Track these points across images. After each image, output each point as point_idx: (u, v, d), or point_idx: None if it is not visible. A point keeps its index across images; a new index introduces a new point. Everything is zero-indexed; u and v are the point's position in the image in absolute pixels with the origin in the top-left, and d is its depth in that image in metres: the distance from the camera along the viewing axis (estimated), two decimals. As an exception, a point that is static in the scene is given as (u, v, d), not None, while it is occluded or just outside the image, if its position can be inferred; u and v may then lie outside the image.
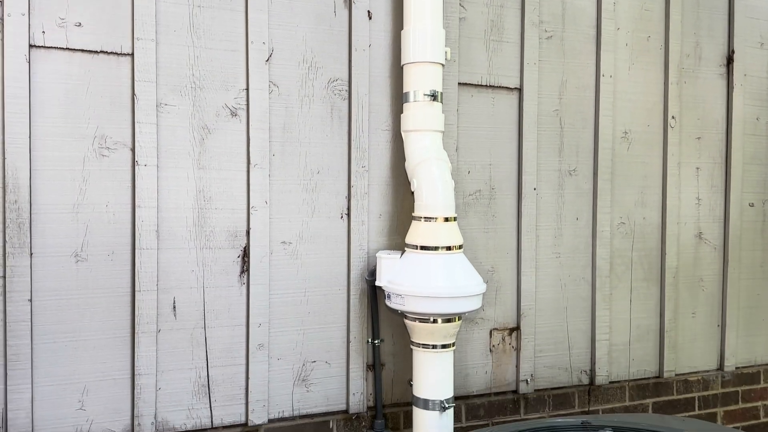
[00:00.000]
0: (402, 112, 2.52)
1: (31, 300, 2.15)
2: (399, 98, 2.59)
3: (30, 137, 2.14)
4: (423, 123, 2.46)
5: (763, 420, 3.33)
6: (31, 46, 2.13)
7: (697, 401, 3.18)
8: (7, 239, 2.11)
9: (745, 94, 3.22)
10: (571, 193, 2.91)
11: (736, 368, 3.24)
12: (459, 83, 2.70)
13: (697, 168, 3.14)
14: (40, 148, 2.16)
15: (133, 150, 2.26)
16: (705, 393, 3.19)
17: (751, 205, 3.25)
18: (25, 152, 2.12)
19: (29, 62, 2.13)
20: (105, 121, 2.23)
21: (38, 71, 2.15)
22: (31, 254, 2.15)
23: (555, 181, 2.88)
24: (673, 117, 3.07)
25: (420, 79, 2.45)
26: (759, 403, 3.32)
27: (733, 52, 3.19)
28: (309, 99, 2.49)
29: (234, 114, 2.38)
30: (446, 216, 2.41)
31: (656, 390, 3.09)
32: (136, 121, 2.25)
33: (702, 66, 3.15)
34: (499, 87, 2.78)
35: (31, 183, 2.14)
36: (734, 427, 3.04)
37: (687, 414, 3.13)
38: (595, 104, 2.94)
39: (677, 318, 3.10)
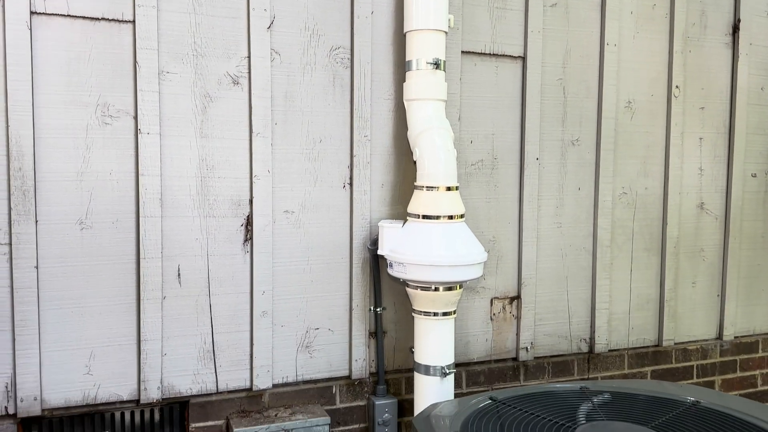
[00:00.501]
0: (404, 81, 2.52)
1: (37, 267, 2.18)
2: (402, 66, 2.58)
3: (33, 105, 2.14)
4: (425, 92, 2.45)
5: (760, 388, 3.37)
6: (32, 12, 2.13)
7: (695, 370, 3.22)
8: (12, 206, 2.13)
9: (750, 64, 3.19)
10: (573, 163, 2.91)
11: (735, 337, 3.28)
12: (462, 51, 2.68)
13: (701, 138, 3.14)
14: (43, 116, 2.16)
15: (135, 118, 2.26)
16: (703, 362, 3.23)
17: (754, 175, 3.25)
18: (28, 120, 2.13)
19: (30, 29, 2.12)
20: (107, 89, 2.23)
21: (39, 38, 2.15)
22: (36, 221, 2.17)
23: (557, 151, 2.88)
24: (677, 86, 3.05)
25: (423, 47, 2.44)
26: (756, 372, 3.36)
27: (739, 20, 3.16)
28: (311, 67, 2.48)
29: (236, 82, 2.38)
30: (448, 185, 2.42)
31: (655, 358, 3.13)
32: (138, 89, 2.25)
33: (707, 35, 3.13)
34: (503, 55, 2.77)
35: (34, 151, 2.15)
36: (731, 394, 3.08)
37: (685, 382, 3.17)
38: (599, 73, 2.92)
39: (677, 287, 3.13)
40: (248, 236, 2.44)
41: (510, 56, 2.78)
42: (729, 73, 3.18)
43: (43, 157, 2.17)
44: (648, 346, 3.11)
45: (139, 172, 2.26)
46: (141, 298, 2.29)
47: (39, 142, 2.16)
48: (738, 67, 3.16)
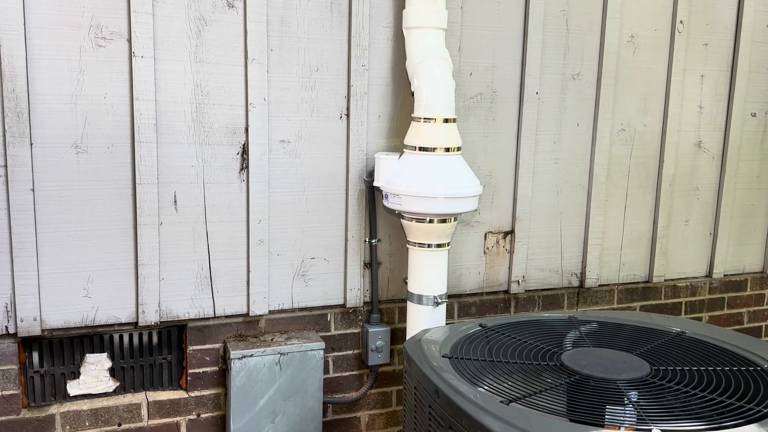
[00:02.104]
0: (404, 8, 2.46)
1: (33, 190, 2.18)
2: (401, -6, 2.52)
3: (25, 25, 2.10)
4: (425, 20, 2.40)
5: (746, 326, 3.45)
6: (20, -73, 2.06)
7: (683, 306, 3.28)
8: (6, 128, 2.12)
9: (757, 0, 3.12)
10: (573, 98, 2.88)
11: (725, 275, 3.33)
12: (463, -21, 2.62)
13: (702, 75, 3.10)
14: (36, 37, 2.13)
15: (129, 41, 2.22)
16: (692, 298, 3.29)
17: (753, 114, 3.23)
18: (20, 39, 2.09)
19: (19, -55, 2.06)
20: (100, 10, 2.18)
21: (29, -45, 2.09)
22: (31, 144, 2.16)
23: (558, 86, 2.85)
24: (681, 21, 2.99)
25: (423, -27, 2.37)
26: (744, 310, 3.43)
27: (749, -47, 3.07)
28: (308, -8, 2.42)
29: (231, 5, 2.33)
30: (446, 117, 2.41)
31: (644, 294, 3.18)
32: (131, 10, 2.20)
33: (716, -32, 3.05)
34: (505, -15, 2.70)
35: (27, 72, 2.12)
36: (717, 327, 3.15)
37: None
38: (603, 6, 2.86)
39: (670, 225, 3.15)
40: (244, 165, 2.44)
41: (513, -15, 2.71)
42: (735, 9, 3.11)
43: (37, 78, 2.14)
44: (638, 282, 3.16)
45: (134, 97, 2.24)
46: (138, 223, 2.31)
47: (32, 63, 2.13)
48: (744, 3, 3.09)
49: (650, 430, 1.46)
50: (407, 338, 2.51)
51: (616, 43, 2.90)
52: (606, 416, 1.58)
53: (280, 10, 2.39)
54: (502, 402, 1.57)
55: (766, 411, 1.54)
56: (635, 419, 1.56)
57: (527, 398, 1.61)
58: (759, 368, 1.79)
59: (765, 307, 3.48)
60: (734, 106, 3.16)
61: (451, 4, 2.57)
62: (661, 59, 3.01)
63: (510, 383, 1.71)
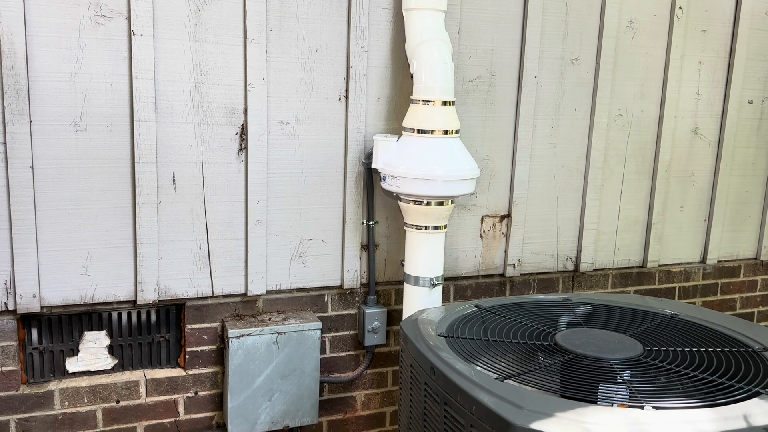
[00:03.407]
0: (404, -10, 2.46)
1: (32, 167, 2.19)
2: (401, -25, 2.52)
3: (24, 1, 2.09)
4: (425, 1, 2.40)
5: (739, 311, 3.49)
6: None
7: (677, 291, 3.31)
8: (6, 105, 2.12)
9: (757, -14, 3.13)
10: (571, 83, 2.89)
11: (718, 261, 3.36)
12: (464, -38, 2.61)
13: (700, 62, 3.11)
14: (35, 14, 2.12)
15: (128, 19, 2.22)
16: (686, 284, 3.32)
17: (750, 102, 3.24)
18: (19, 16, 2.08)
19: None
20: (99, -13, 2.18)
21: (28, -70, 2.08)
22: (31, 122, 2.17)
23: (557, 70, 2.86)
24: (680, 7, 3.00)
25: (423, -45, 2.37)
26: (736, 296, 3.47)
27: (749, -60, 3.07)
28: (308, -28, 2.42)
29: (231, -15, 2.32)
30: (444, 99, 2.41)
31: (639, 279, 3.21)
32: (131, -12, 2.20)
33: (716, -46, 3.04)
34: (505, -32, 2.70)
35: (27, 49, 2.12)
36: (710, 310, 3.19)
37: (666, 303, 3.27)
38: (603, -10, 2.86)
39: (665, 211, 3.18)
40: (243, 145, 2.44)
41: (513, -31, 2.71)
42: (734, -5, 3.12)
43: (36, 56, 2.14)
44: (633, 267, 3.19)
45: (133, 75, 2.24)
46: (136, 202, 2.32)
47: (31, 41, 2.13)
48: (744, -11, 3.10)
49: (642, 406, 1.49)
50: (404, 319, 2.54)
51: (615, 28, 2.90)
52: (599, 393, 1.61)
53: (279, -10, 2.39)
54: (497, 379, 1.59)
55: (756, 390, 1.57)
56: (627, 397, 1.58)
57: (521, 376, 1.64)
58: (750, 349, 1.82)
59: (758, 293, 3.51)
60: (731, 93, 3.17)
61: (451, -14, 2.57)
62: (660, 45, 3.02)
63: (505, 362, 1.74)
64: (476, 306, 2.10)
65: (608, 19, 2.88)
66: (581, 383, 1.61)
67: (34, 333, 2.34)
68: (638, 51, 2.99)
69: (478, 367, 1.67)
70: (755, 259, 3.45)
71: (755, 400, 1.53)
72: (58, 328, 2.37)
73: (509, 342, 1.85)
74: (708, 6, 3.07)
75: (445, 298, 2.83)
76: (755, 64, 3.21)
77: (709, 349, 1.82)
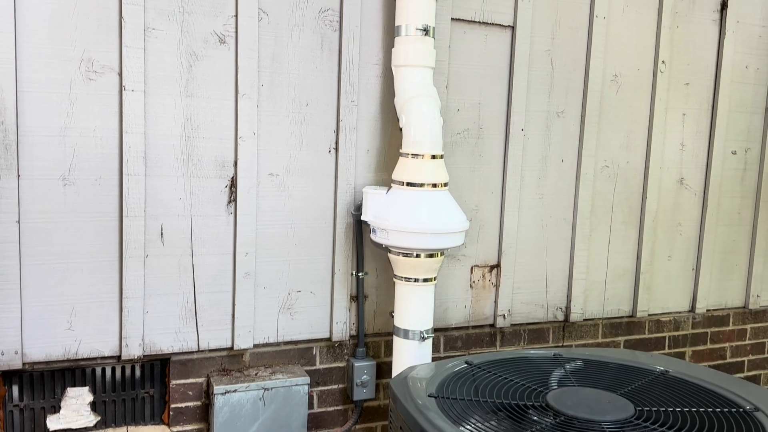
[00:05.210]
0: (393, 47, 2.50)
1: (18, 222, 2.17)
2: (391, 32, 2.57)
3: (16, 58, 2.11)
4: (414, 58, 2.44)
5: (729, 360, 3.48)
6: (14, -38, 2.08)
7: (667, 341, 3.31)
8: (-7, 160, 2.11)
9: (736, 42, 3.21)
10: (557, 135, 2.93)
11: (707, 311, 3.36)
12: (452, 19, 2.67)
13: (684, 114, 3.17)
14: (26, 70, 2.13)
15: (120, 75, 2.24)
16: (675, 333, 3.32)
17: (734, 152, 3.30)
18: (10, 73, 2.10)
19: (13, -21, 2.08)
20: (92, 44, 2.20)
21: (22, -11, 2.10)
22: (19, 176, 2.16)
23: (543, 123, 2.90)
24: (663, 62, 3.07)
25: (413, 13, 2.42)
26: (726, 345, 3.46)
27: (728, -3, 3.17)
28: (299, 28, 2.46)
29: (222, 41, 2.35)
30: (433, 153, 2.43)
31: (629, 328, 3.21)
32: (123, 45, 2.22)
33: (696, 10, 3.13)
34: (493, 24, 2.76)
35: (17, 105, 2.12)
36: (700, 366, 3.18)
37: (657, 352, 3.26)
38: (587, 45, 2.93)
39: (653, 260, 3.19)
40: (232, 198, 2.44)
41: (500, 25, 2.77)
42: (715, 50, 3.20)
43: (26, 111, 2.14)
44: (622, 317, 3.19)
45: (123, 130, 2.25)
46: (123, 255, 2.30)
47: (22, 96, 2.13)
48: (724, 44, 3.18)
49: (635, 473, 1.47)
50: (393, 374, 2.51)
51: (599, 81, 2.96)
52: (591, 459, 1.58)
53: (271, 47, 2.42)
54: (487, 444, 1.57)
55: (748, 454, 1.56)
56: (620, 462, 1.56)
57: (513, 440, 1.61)
58: (741, 410, 1.80)
59: (747, 342, 3.51)
60: (715, 144, 3.23)
61: (439, 43, 2.62)
62: (644, 98, 3.08)
63: (495, 423, 1.71)
64: (467, 362, 2.08)
65: (593, 72, 2.94)
66: (573, 447, 1.59)
67: (15, 390, 2.29)
68: (623, 104, 3.04)
69: (467, 430, 1.65)
70: (744, 307, 3.46)
71: (748, 464, 1.52)
72: (39, 384, 2.32)
73: (500, 402, 1.83)
74: (690, 60, 3.15)
75: (435, 349, 2.81)
76: (737, 116, 3.28)
77: (701, 410, 1.80)
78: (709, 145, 3.24)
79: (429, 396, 1.81)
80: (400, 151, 2.46)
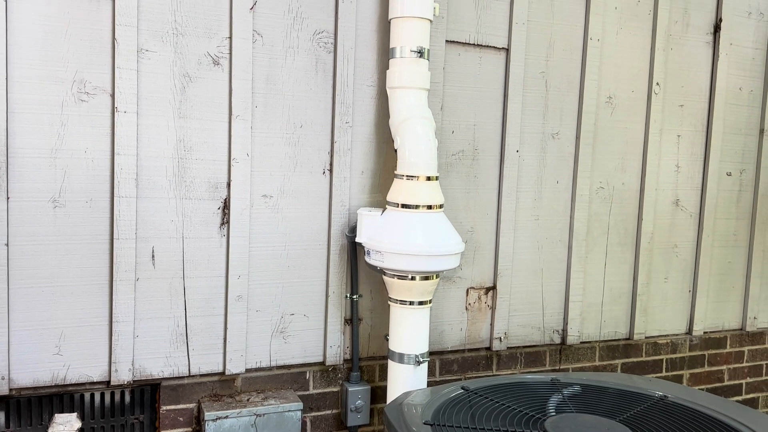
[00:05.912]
0: (388, 68, 2.50)
1: (7, 244, 2.13)
2: (385, 54, 2.56)
3: (7, 79, 2.09)
4: (409, 80, 2.44)
5: (726, 383, 3.45)
6: (7, -17, 2.07)
7: (664, 363, 3.28)
8: (-18, 182, 2.08)
9: (730, 64, 3.23)
10: (552, 157, 2.92)
11: (704, 333, 3.34)
12: (447, 41, 2.67)
13: (678, 135, 3.17)
14: (17, 91, 2.11)
15: (112, 96, 2.22)
16: (673, 356, 3.29)
17: (729, 174, 3.30)
18: (1, 93, 2.08)
19: (6, 1, 2.07)
20: (84, 65, 2.18)
21: (15, 11, 2.09)
22: (8, 198, 2.13)
23: (538, 144, 2.89)
24: (657, 84, 3.08)
25: (407, 35, 2.42)
26: (724, 367, 3.43)
27: (720, 20, 3.18)
28: (293, 50, 2.45)
29: (216, 63, 2.34)
30: (428, 175, 2.42)
31: (626, 351, 3.17)
32: (116, 66, 2.20)
33: (689, 33, 3.15)
34: (487, 46, 2.76)
35: (7, 126, 2.10)
36: (698, 389, 3.14)
37: (654, 375, 3.23)
38: (582, 68, 2.93)
39: (650, 282, 3.17)
40: (225, 219, 2.41)
41: (494, 47, 2.77)
42: (709, 72, 3.21)
43: (17, 132, 2.12)
44: (619, 339, 3.16)
45: (115, 151, 2.23)
46: (114, 279, 2.26)
47: (12, 117, 2.11)
48: (718, 67, 3.20)
49: (635, 505, 1.43)
50: (388, 399, 2.46)
51: (594, 103, 2.96)
52: (590, 489, 1.55)
53: (265, 69, 2.41)
54: (484, 474, 1.53)
55: (751, 484, 1.52)
56: (620, 492, 1.53)
57: (510, 469, 1.57)
58: (742, 437, 1.77)
59: (745, 364, 3.48)
60: (710, 165, 3.23)
61: (433, 65, 2.62)
62: (639, 119, 3.08)
63: (492, 452, 1.68)
64: (463, 388, 2.05)
65: (587, 94, 2.94)
66: (572, 477, 1.56)
67: (2, 416, 2.23)
68: (618, 125, 3.04)
69: (465, 459, 1.61)
70: (741, 329, 3.44)
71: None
72: (27, 410, 2.26)
73: (497, 430, 1.79)
74: (684, 82, 3.16)
75: (431, 373, 2.77)
76: (732, 138, 3.28)
77: (701, 437, 1.77)
78: (704, 167, 3.24)
79: (425, 424, 1.77)
80: (395, 172, 2.45)
